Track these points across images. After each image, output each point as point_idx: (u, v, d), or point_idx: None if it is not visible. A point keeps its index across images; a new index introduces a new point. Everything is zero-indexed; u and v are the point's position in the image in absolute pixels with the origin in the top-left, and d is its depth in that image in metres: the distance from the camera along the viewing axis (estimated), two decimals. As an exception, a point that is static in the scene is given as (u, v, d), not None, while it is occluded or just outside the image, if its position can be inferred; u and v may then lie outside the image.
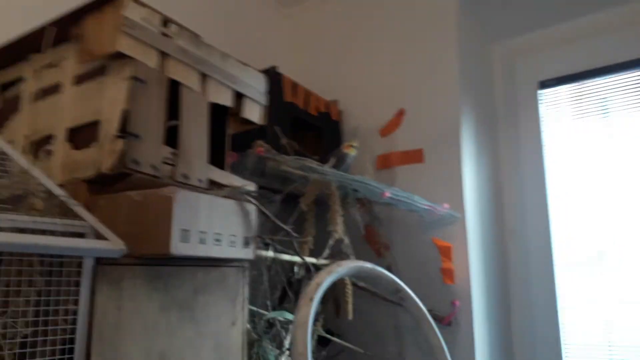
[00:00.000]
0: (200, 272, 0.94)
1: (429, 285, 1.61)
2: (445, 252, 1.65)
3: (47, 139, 0.96)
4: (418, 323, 1.35)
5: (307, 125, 1.69)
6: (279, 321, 1.17)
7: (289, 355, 1.11)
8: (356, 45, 2.00)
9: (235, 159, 1.23)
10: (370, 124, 1.87)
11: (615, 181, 1.77)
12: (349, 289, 1.37)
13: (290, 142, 1.47)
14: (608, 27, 1.82)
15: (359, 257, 1.40)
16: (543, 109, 1.94)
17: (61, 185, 0.82)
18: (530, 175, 1.92)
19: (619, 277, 1.71)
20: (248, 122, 1.17)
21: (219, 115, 1.11)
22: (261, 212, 1.03)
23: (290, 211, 1.32)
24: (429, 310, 1.38)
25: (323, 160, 1.49)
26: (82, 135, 0.92)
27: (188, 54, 1.00)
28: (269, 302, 1.17)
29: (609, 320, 1.70)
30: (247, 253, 0.98)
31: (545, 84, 1.95)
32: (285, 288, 1.25)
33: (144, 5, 0.92)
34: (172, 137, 0.96)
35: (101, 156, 0.87)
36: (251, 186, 1.09)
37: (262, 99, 1.19)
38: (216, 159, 1.07)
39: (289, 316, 1.17)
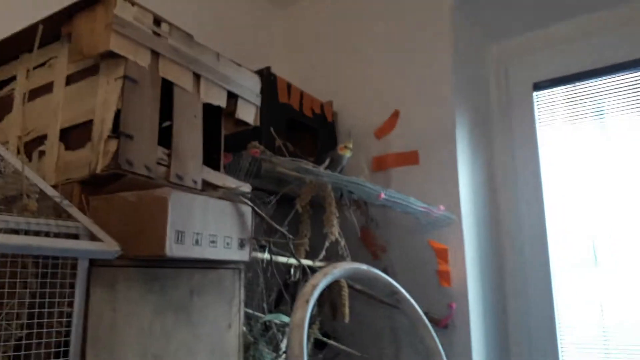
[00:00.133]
0: (196, 274, 0.94)
1: (425, 287, 1.62)
2: (442, 254, 1.66)
3: (40, 139, 0.96)
4: (414, 325, 1.36)
5: (302, 126, 1.70)
6: (275, 324, 1.17)
7: (286, 358, 1.12)
8: (350, 46, 2.01)
9: (230, 160, 1.23)
10: (365, 126, 1.88)
11: (611, 183, 1.79)
12: (345, 291, 1.37)
13: (285, 143, 1.48)
14: (603, 28, 1.84)
15: (355, 259, 1.40)
16: (537, 111, 1.96)
17: (55, 186, 0.82)
18: (526, 177, 1.93)
19: (616, 280, 1.72)
20: (242, 123, 1.17)
21: (212, 116, 1.11)
22: (256, 214, 1.03)
23: (285, 213, 1.32)
24: (425, 313, 1.39)
25: (318, 162, 1.49)
26: (75, 136, 0.92)
27: (181, 53, 1.00)
28: (265, 305, 1.18)
29: (606, 322, 1.72)
30: (243, 255, 0.98)
31: (540, 86, 1.96)
32: (282, 290, 1.25)
33: (135, 4, 0.92)
34: (165, 138, 0.96)
35: (94, 157, 0.87)
36: (246, 187, 1.09)
37: (256, 99, 1.20)
38: (210, 160, 1.08)
39: (285, 319, 1.17)
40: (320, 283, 1.03)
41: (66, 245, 0.72)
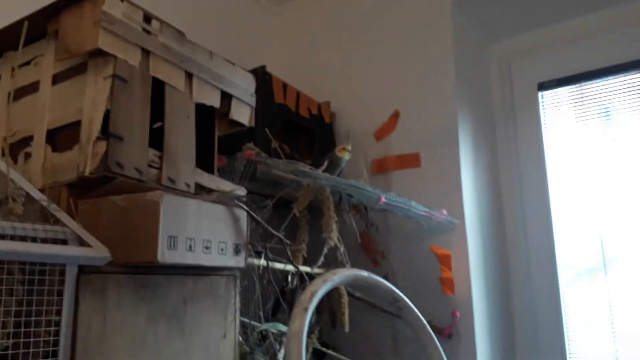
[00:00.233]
0: (189, 281, 0.94)
1: (427, 295, 1.62)
2: (445, 260, 1.66)
3: (26, 140, 0.96)
4: (417, 335, 1.35)
5: (299, 127, 1.70)
6: (272, 333, 1.17)
7: (283, 370, 1.11)
8: (349, 44, 2.02)
9: (224, 163, 1.23)
10: (364, 127, 1.88)
11: (619, 185, 1.79)
12: (345, 299, 1.37)
13: (281, 145, 1.48)
14: (610, 27, 1.85)
15: (354, 265, 1.40)
16: (543, 112, 1.97)
17: (41, 190, 0.82)
18: (531, 180, 1.94)
19: (626, 286, 1.73)
20: (237, 124, 1.17)
21: (206, 116, 1.11)
22: (252, 218, 1.03)
23: (282, 217, 1.32)
24: (428, 322, 1.38)
25: (316, 164, 1.49)
26: (63, 137, 0.92)
27: (172, 51, 1.00)
28: (261, 313, 1.17)
29: (615, 330, 1.72)
30: (238, 261, 0.98)
31: (544, 86, 1.97)
32: (279, 298, 1.25)
33: (124, 0, 0.92)
34: (157, 140, 0.96)
35: (83, 159, 0.87)
36: (241, 191, 1.09)
37: (251, 99, 1.20)
38: (204, 163, 1.07)
39: (283, 328, 1.17)
40: (319, 290, 1.03)
41: (54, 251, 0.71)
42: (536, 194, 1.92)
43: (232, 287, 1.02)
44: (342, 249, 1.40)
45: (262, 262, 1.13)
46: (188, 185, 0.99)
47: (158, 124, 1.00)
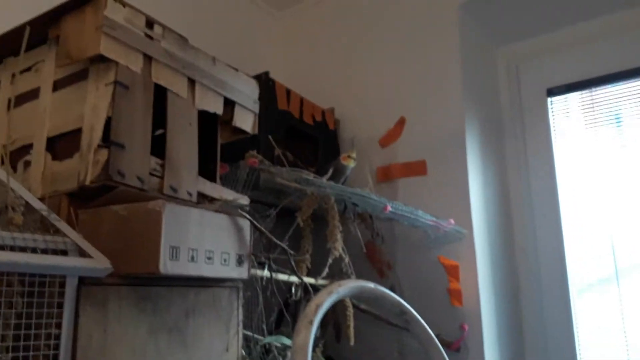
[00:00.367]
0: (191, 293, 0.94)
1: (435, 307, 1.61)
2: (452, 271, 1.65)
3: (26, 148, 0.96)
4: (425, 348, 1.35)
5: (302, 134, 1.70)
6: (276, 347, 1.17)
7: (287, 384, 1.11)
8: (353, 49, 2.02)
9: (227, 171, 1.24)
10: (369, 134, 1.89)
11: (631, 193, 1.79)
12: (350, 311, 1.37)
13: (285, 152, 1.48)
14: (621, 30, 1.86)
15: (359, 276, 1.40)
16: (552, 118, 1.97)
17: (41, 199, 0.82)
18: (541, 188, 1.93)
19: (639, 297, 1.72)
20: (239, 131, 1.18)
21: (208, 123, 1.12)
22: (255, 228, 1.03)
23: (285, 227, 1.32)
24: (436, 335, 1.38)
25: (320, 172, 1.50)
26: (63, 145, 0.92)
27: (174, 57, 1.01)
28: (264, 326, 1.17)
29: (628, 342, 1.71)
30: (241, 272, 0.98)
31: (554, 92, 1.98)
32: (282, 310, 1.25)
33: (126, 5, 0.93)
34: (159, 147, 0.96)
35: (83, 167, 0.87)
36: (244, 200, 1.10)
37: (254, 106, 1.20)
38: (206, 171, 1.08)
39: (287, 341, 1.17)
40: (324, 302, 1.03)
41: (54, 262, 0.71)
42: (546, 202, 1.91)
43: (234, 299, 1.02)
44: (347, 259, 1.39)
45: (266, 273, 1.13)
46: (190, 194, 0.99)
47: (160, 131, 1.00)
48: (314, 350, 1.34)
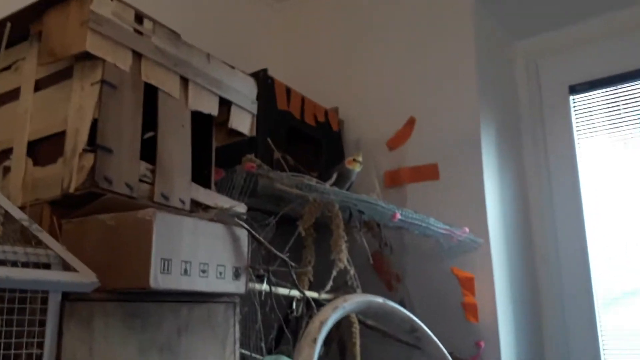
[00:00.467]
0: (184, 309, 0.93)
1: (448, 323, 1.60)
2: (467, 284, 1.65)
3: (5, 153, 0.97)
4: (437, 368, 1.35)
5: (304, 136, 1.70)
6: (276, 367, 1.17)
7: (288, 408, 1.11)
8: (359, 44, 2.03)
9: (222, 177, 1.24)
10: (376, 135, 1.89)
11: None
12: (356, 328, 1.37)
13: (285, 156, 1.48)
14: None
15: (366, 290, 1.40)
16: (575, 117, 1.97)
17: (22, 208, 0.82)
18: (562, 193, 1.93)
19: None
20: (236, 133, 1.18)
21: (202, 125, 1.12)
22: (253, 238, 1.03)
23: (286, 237, 1.32)
24: (450, 353, 1.38)
25: (323, 177, 1.50)
26: (45, 149, 0.93)
27: (166, 54, 1.01)
28: (263, 344, 1.17)
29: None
30: (238, 286, 0.98)
31: (576, 89, 1.98)
32: (282, 327, 1.25)
33: (114, -2, 0.93)
34: (149, 152, 0.97)
35: (67, 173, 0.87)
36: (241, 208, 1.10)
37: (252, 106, 1.21)
38: (200, 176, 1.08)
39: (287, 361, 1.17)
40: (329, 319, 1.03)
41: (35, 276, 0.71)
42: (568, 208, 1.91)
43: (231, 315, 1.02)
44: (352, 271, 1.39)
45: (265, 287, 1.13)
46: (183, 202, 0.99)
47: (150, 134, 1.00)
48: (317, 371, 1.34)
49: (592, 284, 1.83)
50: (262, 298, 1.14)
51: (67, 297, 0.76)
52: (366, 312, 1.35)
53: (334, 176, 1.53)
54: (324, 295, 1.30)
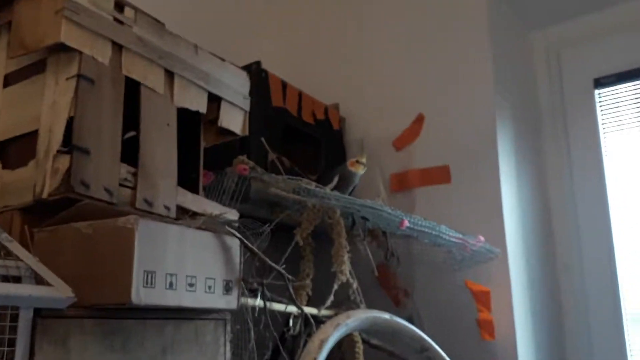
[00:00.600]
0: (169, 327, 0.93)
1: (461, 341, 1.61)
2: (482, 298, 1.65)
3: (-29, 155, 0.97)
4: (450, 391, 1.35)
5: (301, 136, 1.71)
6: (271, 390, 1.17)
7: None
8: (362, 35, 2.03)
9: (211, 180, 1.24)
10: (381, 134, 1.89)
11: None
12: (359, 347, 1.36)
13: (281, 157, 1.48)
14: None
15: (370, 305, 1.40)
16: (600, 113, 1.97)
17: (-11, 215, 0.83)
18: (587, 197, 1.93)
19: None
20: (227, 132, 1.18)
21: (189, 124, 1.12)
22: (246, 248, 1.03)
23: (282, 247, 1.32)
24: (464, 374, 1.38)
25: (322, 181, 1.50)
26: (16, 151, 0.93)
27: (149, 46, 1.01)
28: (257, 366, 1.17)
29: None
30: (229, 301, 0.98)
31: (602, 82, 1.98)
32: (278, 347, 1.25)
33: (91, -16, 0.94)
34: (130, 153, 0.97)
35: (40, 177, 0.87)
36: (232, 214, 1.10)
37: (244, 103, 1.21)
38: (187, 180, 1.08)
39: (284, 384, 1.17)
40: (330, 337, 1.03)
41: (4, 290, 0.71)
42: (594, 213, 1.91)
43: (221, 333, 1.02)
44: (355, 285, 1.39)
45: (258, 302, 1.13)
46: (168, 209, 0.99)
47: (132, 134, 1.00)
48: (317, 395, 1.34)
49: (620, 298, 1.83)
50: (256, 314, 1.13)
51: (39, 313, 0.75)
52: (371, 329, 1.35)
53: (335, 179, 1.53)
54: (324, 312, 1.30)
